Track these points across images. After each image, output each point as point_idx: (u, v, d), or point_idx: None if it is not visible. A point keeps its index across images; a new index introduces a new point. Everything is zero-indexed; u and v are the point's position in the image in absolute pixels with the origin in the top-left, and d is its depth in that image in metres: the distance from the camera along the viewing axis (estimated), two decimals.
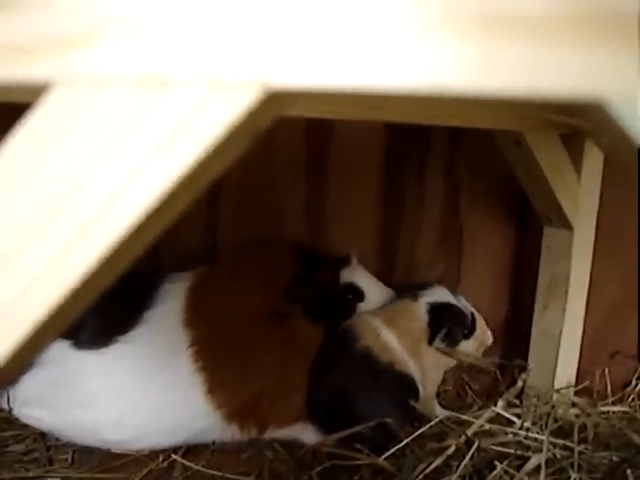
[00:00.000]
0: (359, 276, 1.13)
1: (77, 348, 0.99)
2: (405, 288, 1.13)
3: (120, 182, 0.32)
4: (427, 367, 1.08)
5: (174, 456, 1.02)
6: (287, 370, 1.04)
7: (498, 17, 0.28)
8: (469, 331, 1.11)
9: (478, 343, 1.12)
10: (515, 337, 1.23)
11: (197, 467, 1.00)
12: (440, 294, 1.11)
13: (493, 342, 1.14)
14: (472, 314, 1.12)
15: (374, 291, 1.14)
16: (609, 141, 0.86)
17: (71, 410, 0.99)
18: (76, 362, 0.99)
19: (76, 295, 0.35)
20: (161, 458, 1.02)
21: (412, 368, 1.06)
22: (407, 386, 1.05)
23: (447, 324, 1.08)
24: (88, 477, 0.98)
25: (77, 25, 0.31)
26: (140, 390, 0.99)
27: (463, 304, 1.12)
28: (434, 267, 1.25)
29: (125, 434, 1.00)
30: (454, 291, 1.13)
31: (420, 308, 1.09)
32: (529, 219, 1.20)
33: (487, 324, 1.14)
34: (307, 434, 1.06)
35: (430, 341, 1.08)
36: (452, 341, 1.09)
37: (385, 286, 1.15)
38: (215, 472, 0.99)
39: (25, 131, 0.33)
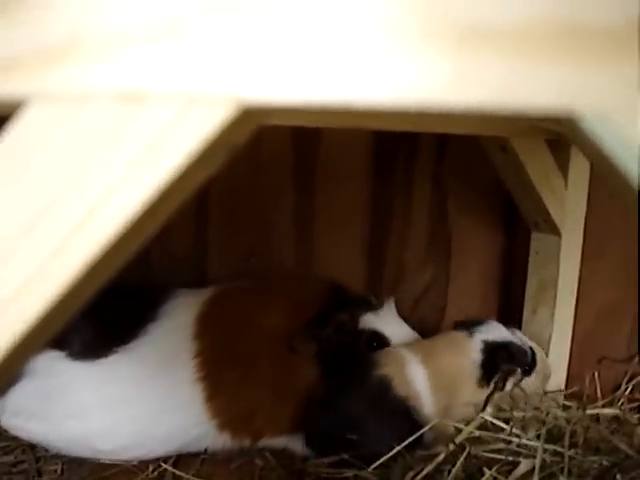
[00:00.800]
0: (383, 322, 1.09)
1: (71, 359, 0.99)
2: (460, 323, 1.07)
3: (98, 196, 0.32)
4: (458, 406, 1.02)
5: (164, 465, 1.01)
6: (281, 395, 1.03)
7: (475, 33, 0.28)
8: (529, 367, 1.05)
9: (541, 377, 1.08)
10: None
11: (187, 476, 1.00)
12: (496, 331, 1.05)
13: None
14: (531, 348, 1.06)
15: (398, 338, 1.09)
16: (583, 153, 0.87)
17: (63, 421, 0.99)
18: (70, 373, 0.99)
19: (58, 307, 0.35)
20: (151, 468, 1.01)
21: (427, 408, 1.00)
22: (412, 424, 0.98)
23: (504, 364, 1.02)
24: None
25: (55, 41, 0.31)
26: (135, 399, 0.99)
27: (520, 339, 1.06)
28: (422, 273, 1.25)
29: (118, 443, 1.00)
30: (508, 326, 1.07)
31: (474, 345, 1.03)
32: (517, 224, 1.20)
33: None
34: (298, 444, 1.05)
35: (486, 382, 1.02)
36: (513, 381, 1.04)
37: (412, 330, 1.11)
38: None
39: (3, 147, 0.33)
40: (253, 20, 0.30)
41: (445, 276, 1.25)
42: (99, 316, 0.99)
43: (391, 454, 0.90)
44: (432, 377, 1.00)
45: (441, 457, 0.89)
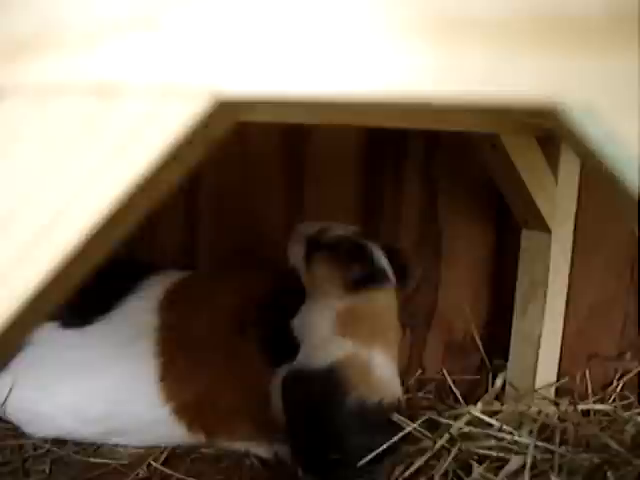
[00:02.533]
0: None
1: (63, 327, 1.02)
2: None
3: (72, 190, 0.32)
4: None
5: (153, 463, 1.01)
6: (233, 383, 1.02)
7: (457, 23, 0.28)
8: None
9: None
10: (495, 339, 1.22)
11: (176, 475, 1.00)
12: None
13: (474, 344, 1.14)
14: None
15: None
16: (571, 147, 0.87)
17: (55, 386, 1.01)
18: (61, 340, 1.02)
19: (45, 289, 0.34)
20: (140, 467, 1.01)
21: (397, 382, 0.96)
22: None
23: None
24: None
25: (28, 31, 0.31)
26: (103, 370, 1.01)
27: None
28: (413, 271, 1.24)
29: (90, 416, 1.01)
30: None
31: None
32: (507, 222, 1.20)
33: (468, 326, 1.14)
34: (266, 452, 1.05)
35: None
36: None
37: None
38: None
39: None
40: (230, 11, 0.29)
41: (435, 274, 1.25)
42: (88, 286, 1.00)
43: (382, 448, 0.88)
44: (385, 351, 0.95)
45: (429, 453, 0.89)
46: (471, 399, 1.13)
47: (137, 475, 1.00)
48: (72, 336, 1.02)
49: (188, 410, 1.02)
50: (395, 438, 0.88)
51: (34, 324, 0.36)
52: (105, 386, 1.01)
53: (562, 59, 0.29)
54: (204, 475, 1.01)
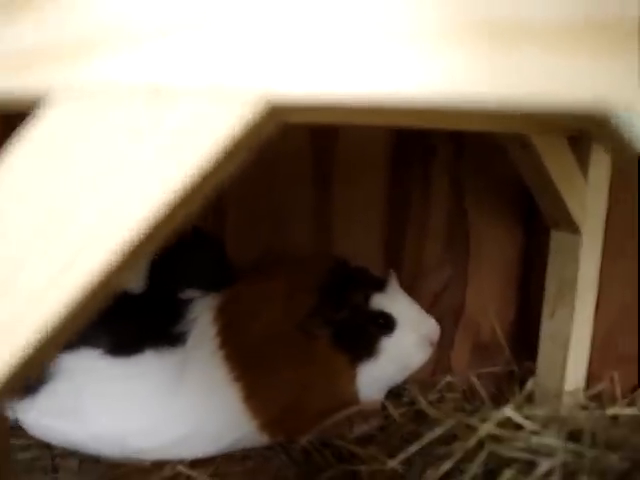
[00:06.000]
0: (394, 303, 1.07)
1: (106, 356, 0.99)
2: None
3: (121, 191, 0.32)
4: None
5: (179, 467, 1.01)
6: (315, 391, 1.03)
7: (507, 26, 0.27)
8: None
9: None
10: (524, 341, 1.22)
11: (203, 477, 1.00)
12: None
13: (502, 345, 1.14)
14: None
15: (409, 322, 1.08)
16: (615, 151, 0.86)
17: (96, 419, 0.98)
18: (105, 370, 0.98)
19: (95, 290, 0.34)
20: (166, 468, 1.01)
21: None
22: None
23: None
24: None
25: (78, 35, 0.31)
26: (175, 398, 0.99)
27: None
28: (440, 271, 1.24)
29: (158, 443, 1.00)
30: None
31: None
32: (536, 223, 1.19)
33: (495, 328, 1.13)
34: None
35: None
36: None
37: (417, 306, 1.10)
38: None
39: (24, 145, 0.33)
40: (279, 13, 0.29)
41: (463, 274, 1.24)
42: (128, 315, 1.00)
43: (415, 448, 0.89)
44: None
45: (460, 454, 0.88)
46: (498, 401, 1.12)
47: (163, 474, 1.00)
48: (122, 365, 0.99)
49: (273, 423, 1.02)
50: (427, 439, 0.88)
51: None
52: (182, 410, 1.00)
53: (613, 63, 0.29)
54: (231, 475, 1.01)
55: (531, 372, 1.13)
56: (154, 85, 0.31)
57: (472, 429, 0.93)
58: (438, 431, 0.89)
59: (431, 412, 1.02)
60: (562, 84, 0.28)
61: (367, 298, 1.05)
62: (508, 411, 0.92)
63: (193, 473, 1.00)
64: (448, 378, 1.19)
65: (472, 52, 0.28)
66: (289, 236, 1.22)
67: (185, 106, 0.30)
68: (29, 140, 0.32)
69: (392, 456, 0.93)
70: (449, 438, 0.93)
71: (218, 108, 0.30)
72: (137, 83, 0.31)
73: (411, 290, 1.13)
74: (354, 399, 1.06)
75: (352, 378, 1.05)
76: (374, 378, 1.07)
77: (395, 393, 1.16)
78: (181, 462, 1.02)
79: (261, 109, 0.30)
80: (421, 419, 1.07)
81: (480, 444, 0.89)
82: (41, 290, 0.33)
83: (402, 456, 0.87)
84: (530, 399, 1.11)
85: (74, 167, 0.32)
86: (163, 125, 0.31)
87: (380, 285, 1.07)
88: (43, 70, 0.32)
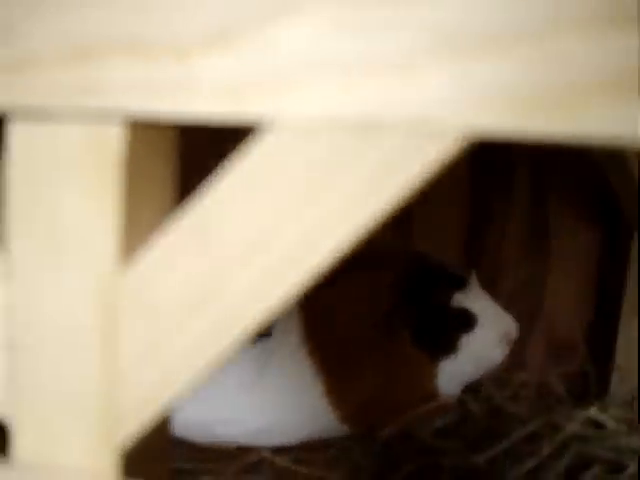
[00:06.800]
0: (474, 301, 1.08)
1: None
2: None
3: (320, 220, 0.34)
4: None
5: (264, 453, 1.04)
6: (395, 386, 1.05)
7: None
8: None
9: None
10: (600, 343, 1.22)
11: (287, 463, 1.02)
12: None
13: (578, 347, 1.14)
14: None
15: (489, 320, 1.08)
16: None
17: (185, 406, 1.01)
18: None
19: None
20: (251, 453, 1.04)
21: None
22: None
23: None
24: (176, 468, 1.00)
25: (292, 68, 0.33)
26: (259, 389, 1.02)
27: None
28: (519, 270, 1.24)
29: (242, 431, 1.04)
30: None
31: None
32: (617, 226, 1.19)
33: (572, 330, 1.14)
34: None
35: None
36: None
37: (497, 306, 1.10)
38: (303, 468, 1.02)
39: (234, 171, 0.35)
40: None
41: (542, 273, 1.24)
42: None
43: (503, 446, 0.90)
44: None
45: (544, 453, 0.90)
46: (572, 401, 1.13)
47: (249, 459, 1.03)
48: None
49: (353, 416, 1.05)
50: (515, 437, 0.90)
51: None
52: (266, 400, 1.03)
53: None
54: (312, 463, 1.03)
55: (607, 373, 1.14)
56: (361, 117, 0.33)
57: (556, 428, 0.94)
58: (528, 428, 0.90)
59: (512, 409, 1.03)
60: None
61: (449, 296, 1.07)
62: (593, 411, 0.93)
63: (277, 459, 1.03)
64: (523, 375, 1.20)
65: None
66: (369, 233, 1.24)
67: (390, 139, 0.32)
68: (239, 167, 0.35)
69: (473, 450, 0.95)
70: (534, 436, 0.94)
71: (424, 142, 0.32)
72: (345, 116, 0.33)
73: (489, 288, 1.14)
74: (434, 394, 1.08)
75: (432, 374, 1.07)
76: (453, 374, 1.09)
77: (471, 388, 1.18)
78: (265, 448, 1.05)
79: (463, 144, 0.31)
80: (497, 415, 1.08)
81: (565, 443, 0.90)
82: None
83: (490, 453, 0.88)
84: (607, 400, 1.11)
85: (277, 194, 0.34)
86: (369, 157, 0.33)
87: (461, 283, 1.09)
88: (257, 100, 0.34)
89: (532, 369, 1.25)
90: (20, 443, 0.42)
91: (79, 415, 0.40)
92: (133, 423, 0.39)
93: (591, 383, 1.17)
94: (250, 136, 0.36)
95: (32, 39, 0.38)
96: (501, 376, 1.21)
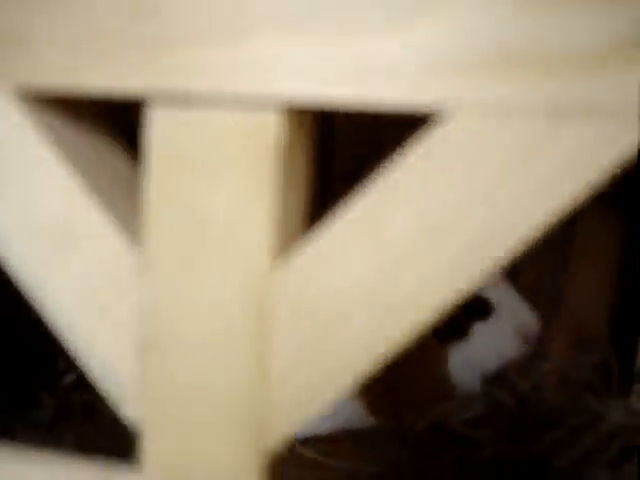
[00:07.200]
0: (493, 289, 1.07)
1: None
2: None
3: (508, 206, 0.33)
4: None
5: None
6: (411, 372, 1.04)
7: None
8: None
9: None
10: (623, 333, 1.22)
11: (315, 455, 1.01)
12: None
13: (601, 336, 1.15)
14: None
15: (507, 311, 1.08)
16: None
17: None
18: None
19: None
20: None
21: None
22: None
23: None
24: None
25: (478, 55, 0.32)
26: None
27: None
28: (538, 260, 1.24)
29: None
30: None
31: None
32: None
33: (595, 318, 1.15)
34: None
35: None
36: None
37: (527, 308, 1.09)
38: (331, 460, 1.01)
39: (408, 163, 0.33)
40: None
41: (564, 260, 1.24)
42: None
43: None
44: None
45: (589, 442, 0.89)
46: (596, 390, 1.13)
47: None
48: None
49: (375, 404, 1.05)
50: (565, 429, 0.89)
51: None
52: None
53: None
54: (341, 455, 1.02)
55: (632, 361, 1.14)
56: (555, 105, 0.31)
57: (598, 417, 0.94)
58: (571, 421, 0.90)
59: (540, 398, 1.03)
60: None
61: None
62: (635, 401, 0.93)
63: (306, 451, 1.02)
64: (546, 365, 1.21)
65: None
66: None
67: (582, 126, 0.31)
68: (416, 156, 0.33)
69: (508, 441, 0.95)
70: (575, 426, 0.94)
71: (619, 131, 0.31)
72: (535, 103, 0.31)
73: (510, 273, 1.14)
74: (446, 379, 1.07)
75: (442, 358, 1.06)
76: (465, 361, 1.08)
77: (494, 379, 1.17)
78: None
79: None
80: (526, 404, 1.09)
81: (610, 433, 0.91)
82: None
83: (539, 447, 0.88)
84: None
85: (462, 181, 0.32)
86: (560, 143, 0.31)
87: None
88: (437, 85, 0.32)
89: (554, 358, 1.25)
90: (151, 447, 0.39)
91: (223, 420, 0.38)
92: (285, 427, 0.37)
93: (614, 371, 1.17)
94: (422, 123, 0.34)
95: (182, 16, 0.35)
96: (523, 365, 1.21)
